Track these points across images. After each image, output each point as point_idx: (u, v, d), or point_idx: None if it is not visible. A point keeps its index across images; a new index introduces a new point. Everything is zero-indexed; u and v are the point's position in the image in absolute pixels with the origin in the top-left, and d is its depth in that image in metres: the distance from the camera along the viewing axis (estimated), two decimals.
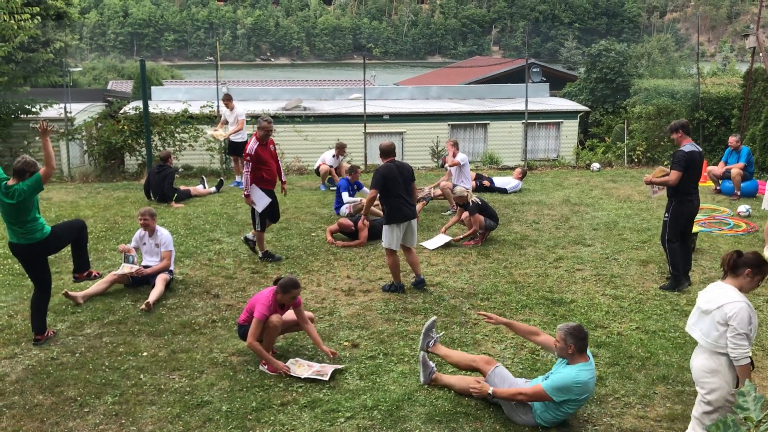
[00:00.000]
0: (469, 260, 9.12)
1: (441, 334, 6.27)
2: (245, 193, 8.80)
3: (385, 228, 7.91)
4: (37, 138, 16.61)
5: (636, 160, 17.66)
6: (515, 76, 32.54)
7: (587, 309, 7.46)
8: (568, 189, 13.82)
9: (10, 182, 6.33)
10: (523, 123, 18.82)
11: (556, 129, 22.23)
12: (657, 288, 8.08)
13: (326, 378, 5.82)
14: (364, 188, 11.83)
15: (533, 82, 27.95)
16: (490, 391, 5.24)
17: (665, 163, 15.69)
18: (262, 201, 8.84)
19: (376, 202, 8.43)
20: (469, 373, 5.70)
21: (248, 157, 8.66)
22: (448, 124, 20.88)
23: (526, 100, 18.45)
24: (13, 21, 15.03)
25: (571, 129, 22.40)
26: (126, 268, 7.90)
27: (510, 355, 6.35)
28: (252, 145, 8.69)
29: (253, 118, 16.60)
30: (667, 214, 7.95)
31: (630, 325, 7.02)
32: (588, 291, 8.03)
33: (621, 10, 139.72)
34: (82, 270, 8.11)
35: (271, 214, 9.16)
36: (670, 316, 7.27)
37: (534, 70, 31.66)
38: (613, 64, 26.67)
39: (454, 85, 28.80)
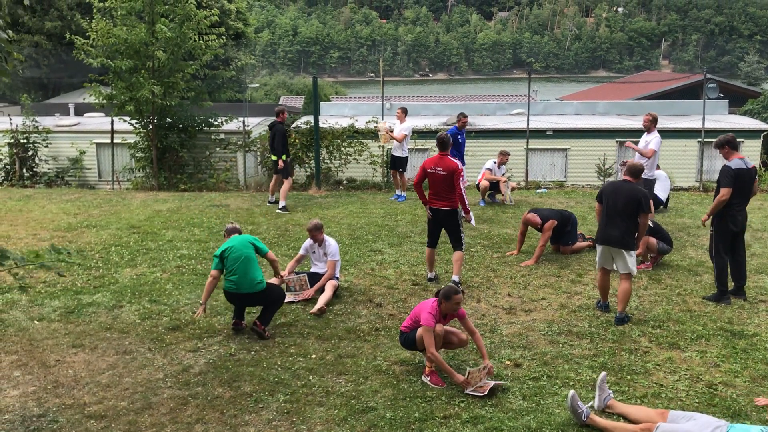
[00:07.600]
0: (639, 285, 8.69)
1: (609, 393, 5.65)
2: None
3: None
4: (217, 149, 17.95)
5: None
6: (688, 92, 30.74)
7: None
8: (749, 213, 12.68)
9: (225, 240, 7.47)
10: (698, 142, 17.71)
11: None
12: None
13: (484, 393, 5.78)
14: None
15: (709, 98, 26.21)
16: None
17: None
18: None
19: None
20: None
21: None
22: (617, 141, 20.00)
23: (704, 118, 17.33)
24: (201, 41, 16.37)
25: (753, 149, 20.62)
26: (290, 297, 8.13)
27: (684, 387, 5.97)
28: None
29: (415, 134, 16.94)
30: (712, 228, 8.12)
31: None
32: None
33: None
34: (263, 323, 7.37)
35: None
36: None
37: (710, 85, 29.66)
38: None
39: (623, 101, 27.63)
